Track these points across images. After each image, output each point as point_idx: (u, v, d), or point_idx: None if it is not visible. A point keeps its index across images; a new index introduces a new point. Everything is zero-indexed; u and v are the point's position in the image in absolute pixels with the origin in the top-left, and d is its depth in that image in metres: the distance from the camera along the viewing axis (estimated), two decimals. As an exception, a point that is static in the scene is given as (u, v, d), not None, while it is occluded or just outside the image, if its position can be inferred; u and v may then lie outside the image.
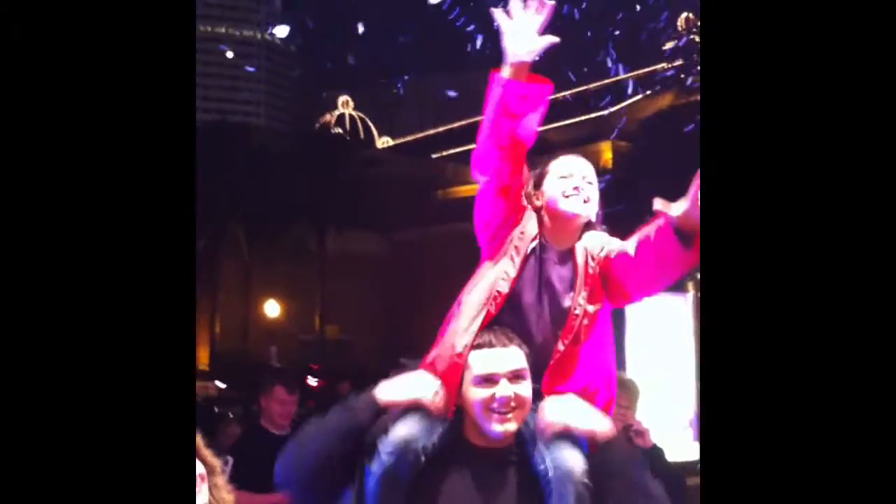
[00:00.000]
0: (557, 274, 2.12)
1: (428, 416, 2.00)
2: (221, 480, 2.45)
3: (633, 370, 9.11)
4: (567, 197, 2.13)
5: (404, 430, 1.98)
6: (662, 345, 9.48)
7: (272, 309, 25.73)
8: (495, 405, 1.92)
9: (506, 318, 2.08)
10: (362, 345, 23.97)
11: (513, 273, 2.10)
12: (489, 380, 1.94)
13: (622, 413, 3.99)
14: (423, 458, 1.94)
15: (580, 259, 2.13)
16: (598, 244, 2.15)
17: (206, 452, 2.34)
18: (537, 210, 2.18)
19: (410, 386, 2.02)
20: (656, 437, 4.50)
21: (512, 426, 1.94)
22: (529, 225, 2.15)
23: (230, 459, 4.14)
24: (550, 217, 2.15)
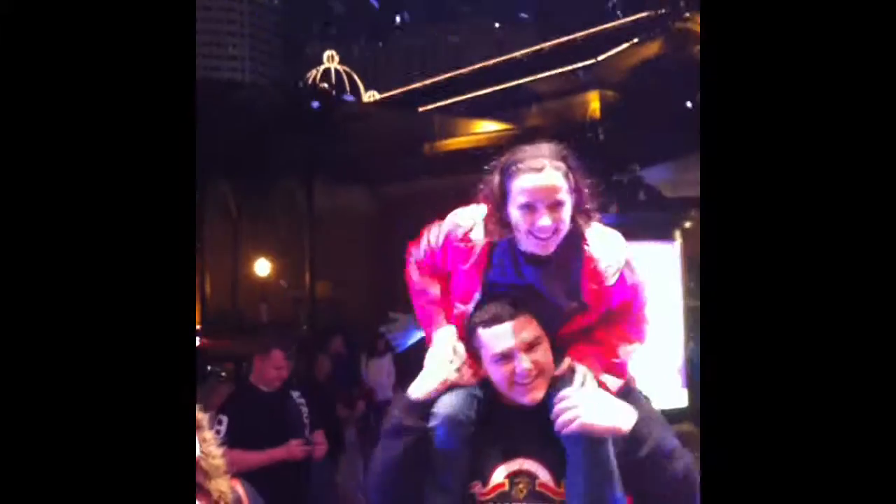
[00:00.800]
0: (551, 282, 2.06)
1: (461, 389, 2.04)
2: (209, 434, 2.47)
3: (622, 319, 9.20)
4: (529, 234, 1.98)
5: (445, 408, 2.01)
6: (650, 293, 9.56)
7: (262, 266, 25.71)
8: (517, 379, 1.94)
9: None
10: (352, 300, 24.00)
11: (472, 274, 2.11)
12: (506, 356, 1.94)
13: None
14: (472, 428, 1.98)
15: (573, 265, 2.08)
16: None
17: (196, 407, 2.36)
18: (506, 224, 2.05)
19: (435, 371, 2.04)
20: (645, 385, 4.56)
21: (539, 393, 1.96)
22: (476, 227, 2.07)
23: (224, 419, 4.18)
24: (519, 236, 2.02)
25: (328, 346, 8.21)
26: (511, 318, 1.96)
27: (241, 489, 2.60)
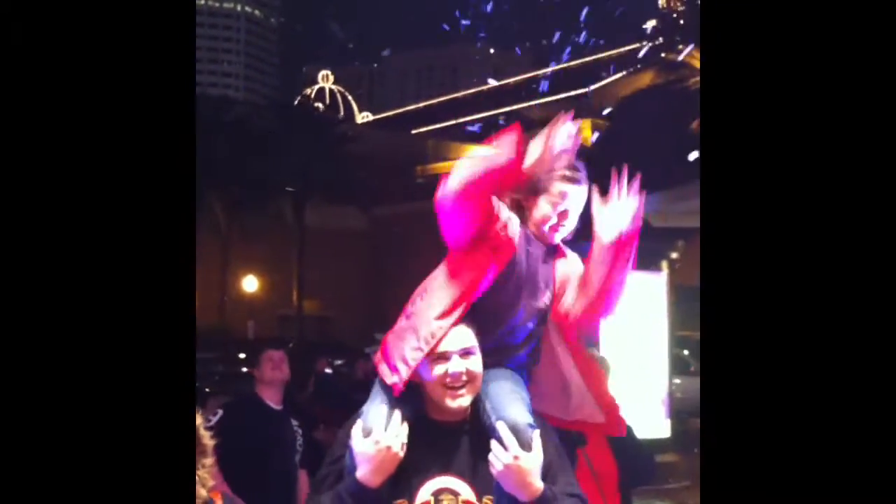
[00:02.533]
0: (541, 270, 2.19)
1: (390, 403, 2.07)
2: (209, 461, 2.46)
3: (607, 347, 9.19)
4: (550, 226, 2.17)
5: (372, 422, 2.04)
6: (636, 323, 9.57)
7: (250, 284, 25.62)
8: (448, 380, 2.01)
9: (481, 307, 2.14)
10: (341, 320, 23.93)
11: (489, 264, 2.13)
12: (442, 357, 2.02)
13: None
14: (400, 454, 2.03)
15: (560, 267, 2.20)
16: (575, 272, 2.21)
17: (201, 431, 2.36)
18: (525, 207, 2.20)
19: (357, 448, 2.03)
20: (630, 415, 4.57)
21: (465, 400, 2.05)
22: (512, 221, 2.15)
23: (220, 412, 4.17)
24: (534, 229, 2.18)
25: (314, 369, 8.18)
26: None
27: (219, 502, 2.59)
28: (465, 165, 2.05)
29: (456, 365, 2.02)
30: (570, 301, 2.21)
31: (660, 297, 9.92)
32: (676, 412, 10.44)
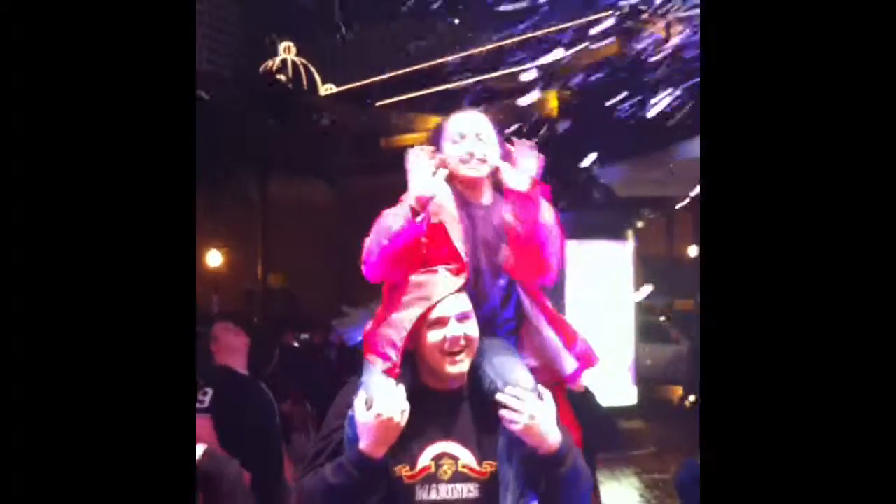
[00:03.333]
0: (489, 226, 2.21)
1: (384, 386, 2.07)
2: None
3: (573, 316, 9.27)
4: (463, 162, 2.22)
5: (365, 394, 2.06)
6: (602, 291, 9.64)
7: (214, 258, 25.42)
8: (447, 346, 2.02)
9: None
10: (306, 293, 23.86)
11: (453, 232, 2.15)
12: (439, 322, 2.04)
13: None
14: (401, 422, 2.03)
15: (507, 216, 2.22)
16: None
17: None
18: (443, 165, 2.26)
19: (360, 418, 2.04)
20: (596, 382, 4.62)
21: (464, 365, 2.09)
22: (441, 193, 2.19)
23: (209, 391, 4.16)
24: (456, 179, 2.25)
25: (282, 341, 8.15)
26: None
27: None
28: (375, 240, 2.12)
29: (454, 329, 2.06)
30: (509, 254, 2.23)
31: (625, 265, 9.99)
32: (647, 379, 10.57)
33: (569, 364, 2.30)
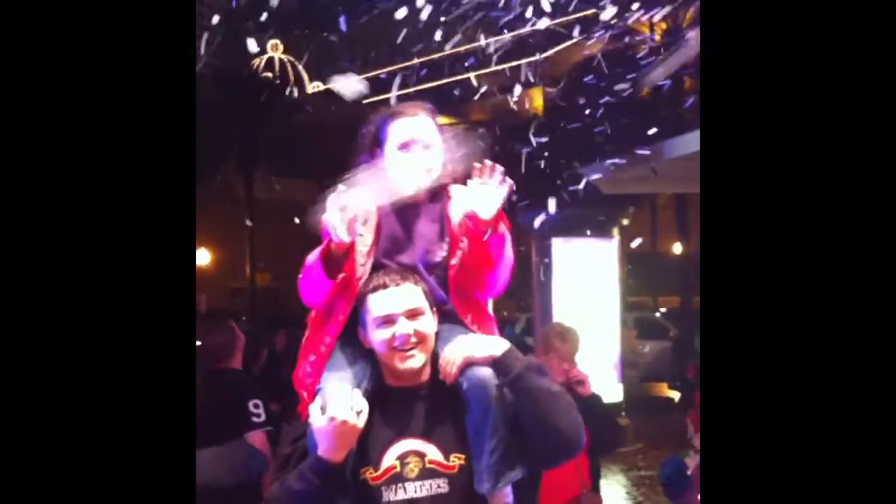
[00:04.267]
0: (422, 230, 2.17)
1: (345, 376, 2.06)
2: None
3: (560, 314, 9.28)
4: (406, 172, 2.16)
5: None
6: (588, 289, 9.66)
7: (201, 257, 25.29)
8: (396, 343, 2.01)
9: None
10: (293, 292, 23.76)
11: (364, 259, 2.15)
12: (388, 320, 2.02)
13: (564, 366, 4.12)
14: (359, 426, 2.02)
15: (442, 206, 2.18)
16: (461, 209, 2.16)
17: None
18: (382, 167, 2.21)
19: (315, 424, 2.02)
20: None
21: (416, 362, 2.05)
22: (366, 226, 2.17)
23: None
24: (395, 182, 2.19)
25: (272, 342, 8.11)
26: (396, 284, 2.05)
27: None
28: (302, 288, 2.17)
29: (403, 327, 2.02)
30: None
31: (611, 263, 10.00)
32: (626, 377, 10.59)
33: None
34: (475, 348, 2.06)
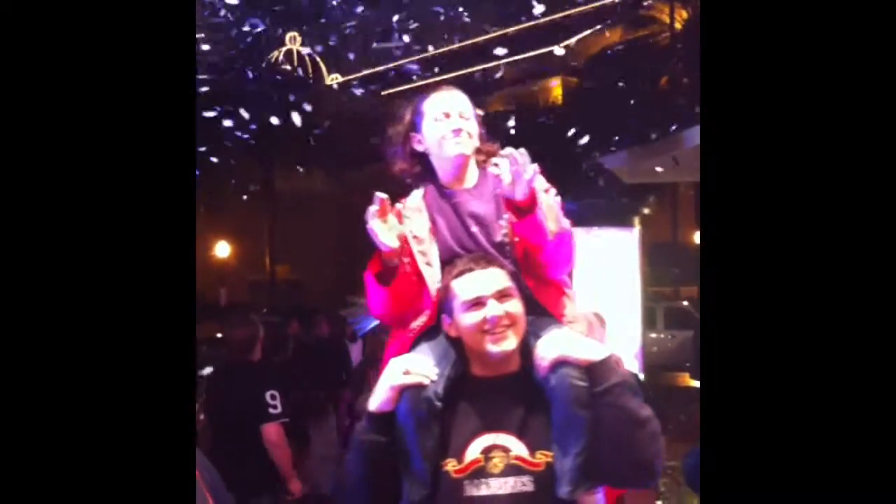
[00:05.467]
0: (476, 212, 2.14)
1: (428, 363, 2.04)
2: None
3: (581, 303, 9.26)
4: (448, 140, 2.13)
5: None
6: (609, 279, 9.62)
7: (221, 250, 25.46)
8: (488, 326, 1.95)
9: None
10: (313, 285, 23.86)
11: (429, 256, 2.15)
12: (477, 303, 1.97)
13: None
14: (437, 403, 1.97)
15: (491, 186, 2.14)
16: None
17: None
18: (422, 154, 2.19)
19: (386, 379, 2.03)
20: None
21: (510, 344, 1.98)
22: (416, 224, 2.15)
23: (276, 394, 4.23)
24: (438, 162, 2.17)
25: (286, 332, 8.15)
26: (482, 268, 2.01)
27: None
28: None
29: (493, 309, 1.96)
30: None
31: (632, 253, 9.97)
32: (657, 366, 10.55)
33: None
34: (573, 348, 1.98)
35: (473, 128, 2.17)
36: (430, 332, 2.11)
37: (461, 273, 2.03)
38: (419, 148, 2.21)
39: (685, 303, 17.69)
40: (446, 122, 2.14)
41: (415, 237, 2.13)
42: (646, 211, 10.21)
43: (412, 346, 2.11)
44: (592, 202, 8.69)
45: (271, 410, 4.23)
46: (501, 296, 1.99)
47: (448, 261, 2.11)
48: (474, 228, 2.14)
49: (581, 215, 9.41)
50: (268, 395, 4.24)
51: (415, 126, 2.21)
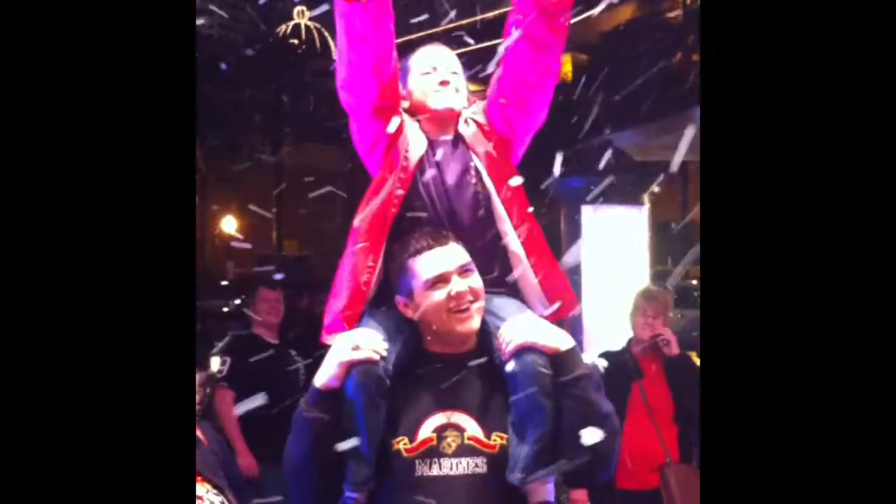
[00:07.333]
0: (456, 166, 2.10)
1: (376, 337, 1.99)
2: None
3: (589, 281, 9.23)
4: (436, 93, 2.08)
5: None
6: (617, 256, 9.59)
7: (228, 224, 25.48)
8: (453, 304, 1.92)
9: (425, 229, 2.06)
10: (321, 259, 23.85)
11: (401, 192, 2.05)
12: (441, 279, 1.94)
13: (650, 322, 4.11)
14: (387, 381, 1.95)
15: (468, 135, 2.10)
16: (477, 108, 2.10)
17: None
18: (406, 110, 2.15)
19: (335, 355, 1.98)
20: (610, 346, 4.60)
21: (475, 322, 1.96)
22: (413, 140, 2.09)
23: (228, 360, 4.24)
24: (424, 116, 2.12)
25: (297, 307, 8.15)
26: (440, 244, 1.98)
27: (199, 433, 2.59)
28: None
29: (458, 284, 1.94)
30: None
31: (641, 231, 9.92)
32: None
33: (539, 307, 2.17)
34: (539, 335, 1.95)
35: (461, 83, 2.12)
36: (377, 306, 2.07)
37: (419, 251, 1.99)
38: (404, 104, 2.16)
39: (694, 281, 17.62)
40: (434, 74, 2.09)
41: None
42: (655, 189, 10.14)
43: (360, 316, 2.07)
44: (601, 179, 8.64)
45: (218, 376, 4.22)
46: (463, 271, 1.97)
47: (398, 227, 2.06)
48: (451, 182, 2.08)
49: (590, 193, 9.35)
50: (219, 360, 4.26)
51: (402, 82, 2.16)
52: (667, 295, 4.57)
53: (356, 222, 2.13)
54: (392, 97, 2.09)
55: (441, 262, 1.98)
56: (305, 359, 4.74)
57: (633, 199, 9.86)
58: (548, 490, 1.98)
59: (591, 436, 1.84)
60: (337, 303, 2.10)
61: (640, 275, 9.92)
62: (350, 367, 1.93)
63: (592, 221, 9.84)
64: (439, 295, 1.97)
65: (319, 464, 1.94)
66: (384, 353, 1.95)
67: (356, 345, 1.94)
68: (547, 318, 2.09)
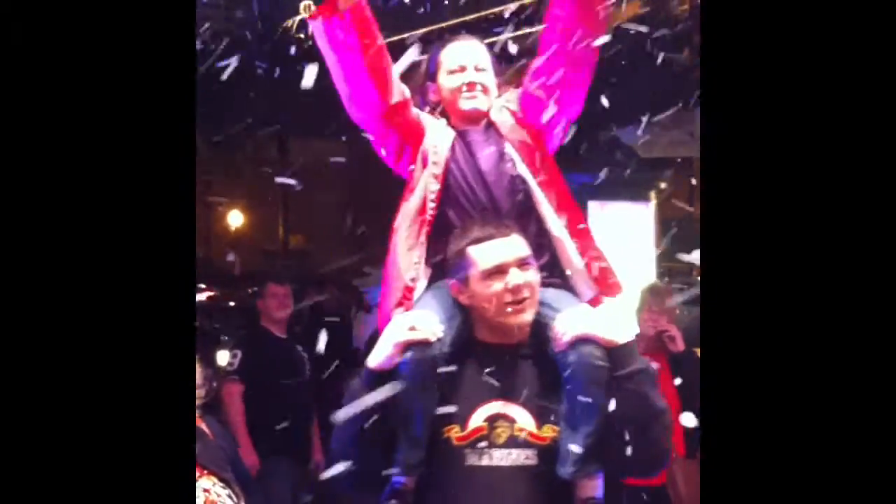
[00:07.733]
0: (490, 152, 2.08)
1: (433, 321, 1.97)
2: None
3: (595, 278, 9.23)
4: (462, 93, 2.07)
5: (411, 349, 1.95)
6: (624, 252, 9.57)
7: (234, 218, 25.51)
8: (509, 297, 1.90)
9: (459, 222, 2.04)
10: (327, 255, 23.88)
11: (436, 187, 2.03)
12: (499, 271, 1.91)
13: (654, 318, 4.10)
14: (442, 363, 1.93)
15: (500, 122, 2.09)
16: (511, 96, 2.09)
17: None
18: (437, 103, 2.14)
19: (389, 336, 1.97)
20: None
21: (529, 315, 1.94)
22: (438, 135, 2.08)
23: (239, 353, 4.27)
24: (453, 113, 2.10)
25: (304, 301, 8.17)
26: (503, 235, 1.96)
27: (204, 426, 2.59)
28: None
29: (515, 277, 1.92)
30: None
31: (647, 227, 9.90)
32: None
33: (586, 291, 2.14)
34: (597, 327, 1.93)
35: (490, 80, 2.11)
36: (433, 288, 2.05)
37: (479, 240, 1.96)
38: (434, 98, 2.16)
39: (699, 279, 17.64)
40: (461, 75, 2.08)
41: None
42: (662, 185, 10.13)
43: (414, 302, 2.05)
44: (608, 175, 8.61)
45: (229, 369, 4.26)
46: (522, 263, 1.94)
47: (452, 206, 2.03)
48: (485, 168, 2.05)
49: (596, 189, 9.32)
50: (230, 353, 4.31)
51: (431, 76, 2.15)
52: (669, 289, 4.57)
53: (396, 224, 2.13)
54: (397, 99, 2.08)
55: (500, 253, 1.98)
56: (311, 354, 4.77)
57: (638, 196, 9.83)
58: (597, 485, 1.96)
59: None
60: (388, 304, 2.09)
61: (646, 271, 9.89)
62: (405, 348, 1.92)
63: (599, 217, 9.82)
64: (496, 286, 1.97)
65: (367, 446, 1.93)
66: (441, 335, 1.93)
67: (412, 325, 1.93)
68: (590, 301, 2.09)
